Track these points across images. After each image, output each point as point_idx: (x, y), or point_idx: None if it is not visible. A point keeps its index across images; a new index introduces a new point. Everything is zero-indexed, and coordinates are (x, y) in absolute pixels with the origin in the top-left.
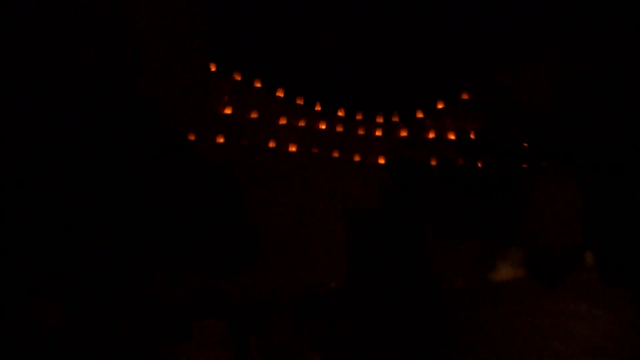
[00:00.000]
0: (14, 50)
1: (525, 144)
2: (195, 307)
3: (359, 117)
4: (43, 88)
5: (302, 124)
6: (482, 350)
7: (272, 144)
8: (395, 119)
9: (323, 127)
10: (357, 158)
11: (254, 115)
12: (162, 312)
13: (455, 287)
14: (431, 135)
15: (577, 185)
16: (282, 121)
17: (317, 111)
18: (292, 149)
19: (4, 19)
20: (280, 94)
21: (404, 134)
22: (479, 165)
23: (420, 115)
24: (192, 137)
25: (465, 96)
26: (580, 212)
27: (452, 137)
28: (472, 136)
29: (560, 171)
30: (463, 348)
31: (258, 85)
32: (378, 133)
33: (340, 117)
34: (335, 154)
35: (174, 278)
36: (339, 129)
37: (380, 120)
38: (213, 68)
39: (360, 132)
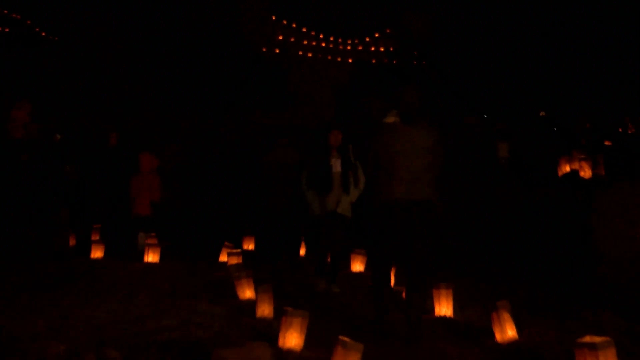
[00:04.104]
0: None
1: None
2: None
3: (339, 40)
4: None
5: (313, 43)
6: None
7: (300, 53)
8: (357, 41)
9: (323, 45)
10: (339, 59)
11: (292, 39)
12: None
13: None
14: (372, 49)
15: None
16: (305, 42)
17: (321, 37)
18: (309, 55)
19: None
20: (304, 29)
21: (360, 48)
22: (394, 62)
23: (367, 39)
24: (264, 49)
25: (388, 30)
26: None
27: (382, 49)
28: (391, 49)
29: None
30: None
31: (294, 25)
32: (348, 48)
33: (331, 40)
34: (329, 57)
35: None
36: (331, 45)
37: (349, 42)
38: (273, 18)
39: (340, 47)
